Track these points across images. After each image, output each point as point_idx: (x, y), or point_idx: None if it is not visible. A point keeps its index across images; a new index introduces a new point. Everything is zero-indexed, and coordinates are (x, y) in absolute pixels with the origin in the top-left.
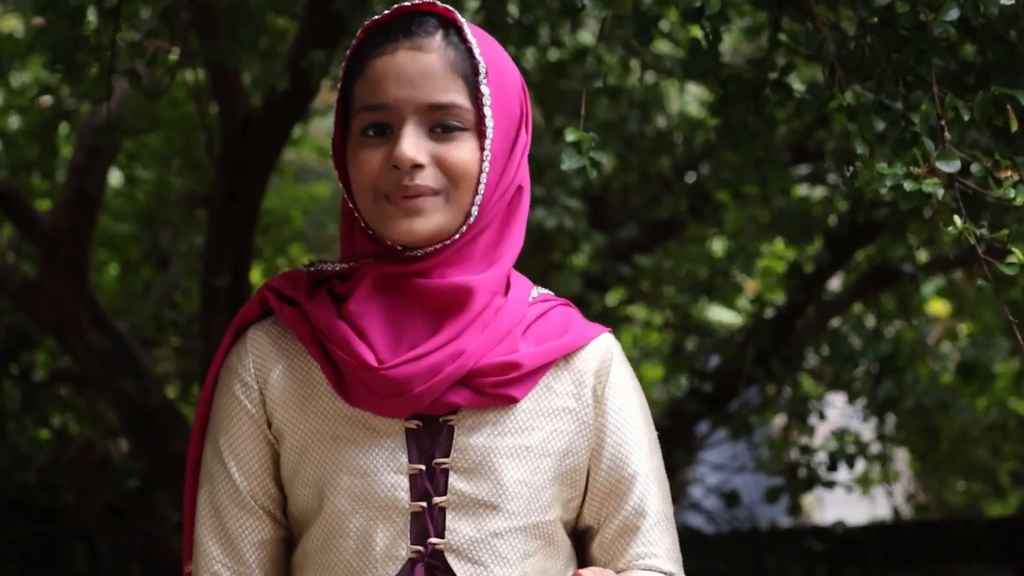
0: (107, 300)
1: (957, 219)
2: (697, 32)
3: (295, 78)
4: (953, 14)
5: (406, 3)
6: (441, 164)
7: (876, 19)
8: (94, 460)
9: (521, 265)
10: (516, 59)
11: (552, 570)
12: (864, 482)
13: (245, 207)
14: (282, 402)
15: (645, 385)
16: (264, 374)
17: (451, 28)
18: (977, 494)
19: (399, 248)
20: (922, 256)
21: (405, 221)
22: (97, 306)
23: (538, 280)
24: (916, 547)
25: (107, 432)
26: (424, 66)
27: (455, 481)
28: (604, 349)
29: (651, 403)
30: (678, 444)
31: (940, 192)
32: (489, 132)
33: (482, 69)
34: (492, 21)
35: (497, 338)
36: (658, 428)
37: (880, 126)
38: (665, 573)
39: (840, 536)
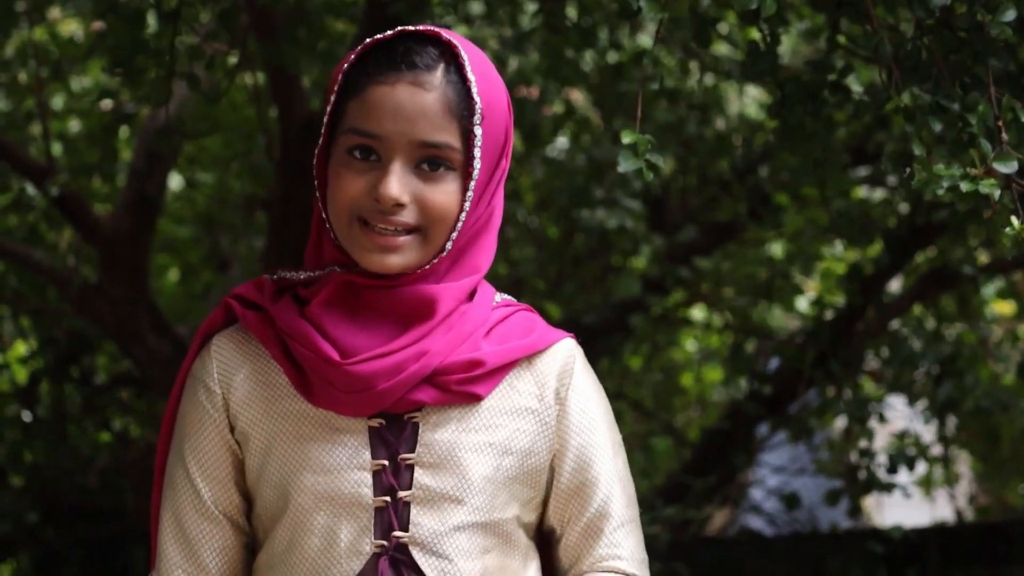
0: (167, 303)
1: (1015, 220)
2: (755, 34)
3: None
4: (1010, 15)
5: (409, 27)
6: (421, 204)
7: (933, 20)
8: (154, 463)
9: (581, 267)
10: (574, 62)
11: (510, 568)
12: (925, 484)
13: (304, 210)
14: (245, 405)
15: (706, 387)
16: (228, 379)
17: (452, 62)
18: None
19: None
20: (982, 257)
21: (378, 256)
22: (157, 309)
23: (598, 282)
24: (977, 549)
25: None
26: (422, 105)
27: (420, 476)
28: (566, 353)
29: (711, 405)
30: (738, 447)
31: (997, 193)
32: (475, 174)
33: (478, 110)
34: (551, 24)
35: (461, 339)
36: (717, 430)
37: (937, 127)
38: (627, 575)
39: (900, 539)
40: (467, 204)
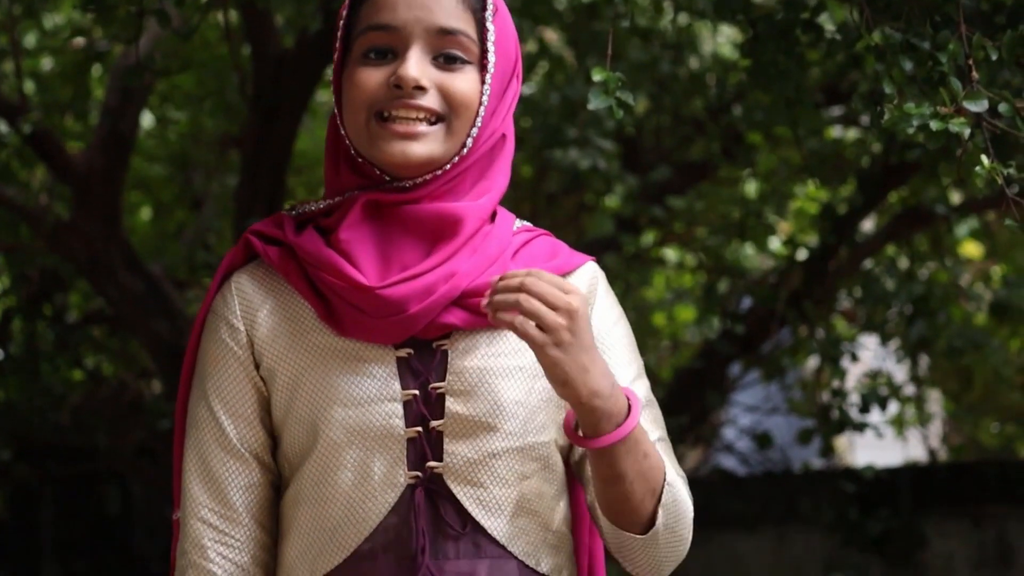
0: (140, 241)
1: (985, 159)
2: None
3: (328, 18)
4: None
5: None
6: (444, 91)
7: None
8: (127, 401)
9: (555, 206)
10: (548, 1)
11: (547, 495)
12: (898, 424)
13: (278, 148)
14: (271, 340)
15: (678, 326)
16: (251, 315)
17: None
18: (1011, 436)
19: (387, 179)
20: (955, 197)
21: (399, 143)
22: (130, 247)
23: (571, 221)
24: (949, 489)
25: (140, 373)
26: None
27: (452, 404)
28: (590, 276)
29: (684, 345)
30: (711, 386)
31: (967, 132)
32: (491, 67)
33: (490, 6)
34: None
35: (487, 262)
36: (690, 370)
37: (908, 66)
38: (666, 480)
39: (872, 478)
40: (485, 98)
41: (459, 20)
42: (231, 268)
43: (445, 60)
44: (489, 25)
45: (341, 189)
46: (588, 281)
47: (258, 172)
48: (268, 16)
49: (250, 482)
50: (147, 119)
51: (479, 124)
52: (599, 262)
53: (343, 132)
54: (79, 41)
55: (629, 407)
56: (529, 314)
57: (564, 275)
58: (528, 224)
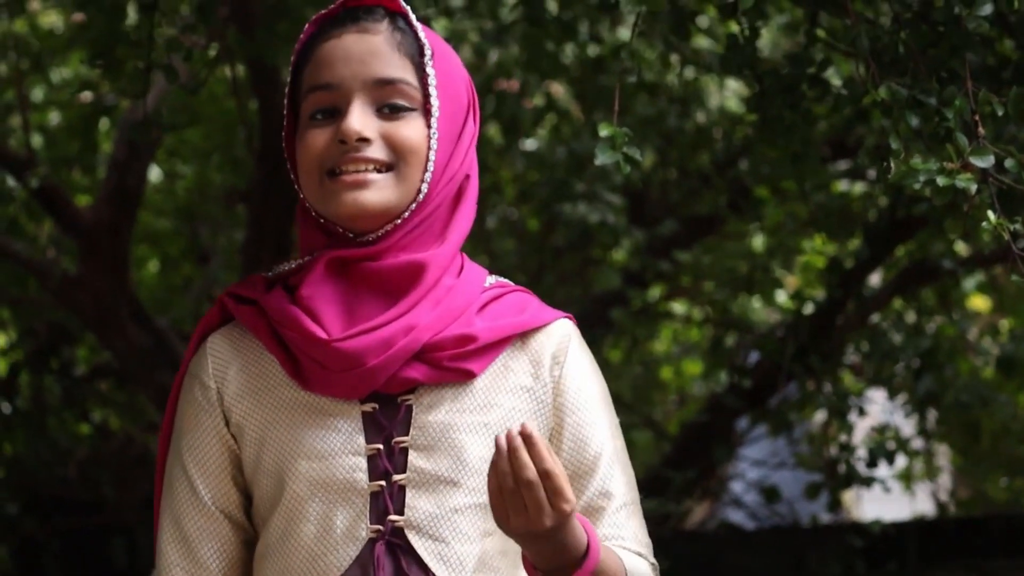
0: (147, 295)
1: (991, 214)
2: (734, 27)
3: None
4: (987, 8)
5: None
6: (389, 140)
7: (911, 14)
8: (134, 455)
9: (562, 259)
10: (555, 55)
11: (509, 552)
12: (906, 478)
13: (284, 202)
14: (239, 397)
15: (685, 380)
16: (222, 373)
17: (397, 17)
18: (1019, 490)
19: (350, 235)
20: (962, 251)
21: (350, 194)
22: (137, 301)
23: (578, 275)
24: (956, 543)
25: (147, 427)
26: (371, 45)
27: (415, 459)
28: (562, 332)
29: (691, 399)
30: (718, 440)
31: (974, 187)
32: (435, 111)
33: (427, 51)
34: (531, 17)
35: (451, 315)
36: (697, 424)
37: (914, 121)
38: (635, 553)
39: (880, 532)
40: (433, 142)
41: (397, 69)
42: (207, 329)
43: (390, 110)
44: (429, 70)
45: (311, 248)
46: (559, 337)
47: (265, 226)
48: (275, 71)
49: (223, 542)
50: (154, 173)
51: (431, 169)
52: (602, 317)
53: (301, 196)
54: (86, 95)
55: (588, 549)
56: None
57: (532, 330)
58: (504, 280)
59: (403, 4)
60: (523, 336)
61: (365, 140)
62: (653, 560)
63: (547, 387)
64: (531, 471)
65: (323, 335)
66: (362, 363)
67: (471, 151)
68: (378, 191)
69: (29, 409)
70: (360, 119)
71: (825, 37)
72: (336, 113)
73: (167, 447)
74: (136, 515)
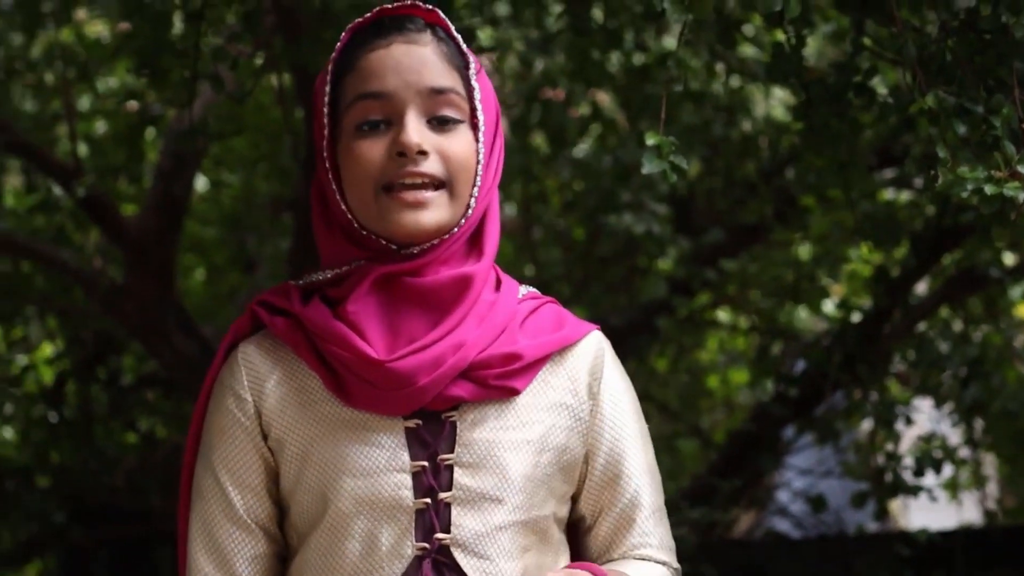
0: (193, 304)
1: None
2: (780, 36)
3: None
4: None
5: (388, 6)
6: (443, 154)
7: (958, 22)
8: (180, 463)
9: (607, 269)
10: (601, 64)
11: (545, 566)
12: (952, 487)
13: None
14: (279, 411)
15: (732, 389)
16: (258, 386)
17: (438, 29)
18: None
19: (393, 247)
20: (1009, 259)
21: (410, 214)
22: (183, 310)
23: (624, 284)
24: (1003, 552)
25: None
26: (422, 55)
27: (460, 476)
28: (596, 347)
29: (737, 408)
30: (764, 449)
31: (1021, 196)
32: (481, 125)
33: (472, 64)
34: (577, 26)
35: (494, 331)
36: (744, 432)
37: (961, 130)
38: (659, 562)
39: (927, 541)
40: (481, 156)
41: (448, 79)
42: (237, 338)
43: (439, 123)
44: (474, 83)
45: (342, 259)
46: (594, 353)
47: (310, 235)
48: None
49: (256, 553)
50: (201, 182)
51: (479, 184)
52: (648, 325)
53: (343, 207)
54: (133, 104)
55: None
56: None
57: (570, 345)
58: (533, 290)
59: (442, 16)
60: (560, 351)
61: (423, 153)
62: (677, 565)
63: (585, 404)
64: None
65: (375, 355)
66: (413, 382)
67: (499, 162)
68: (435, 211)
69: (76, 418)
70: (418, 130)
71: (871, 45)
72: (384, 124)
73: (194, 456)
74: None
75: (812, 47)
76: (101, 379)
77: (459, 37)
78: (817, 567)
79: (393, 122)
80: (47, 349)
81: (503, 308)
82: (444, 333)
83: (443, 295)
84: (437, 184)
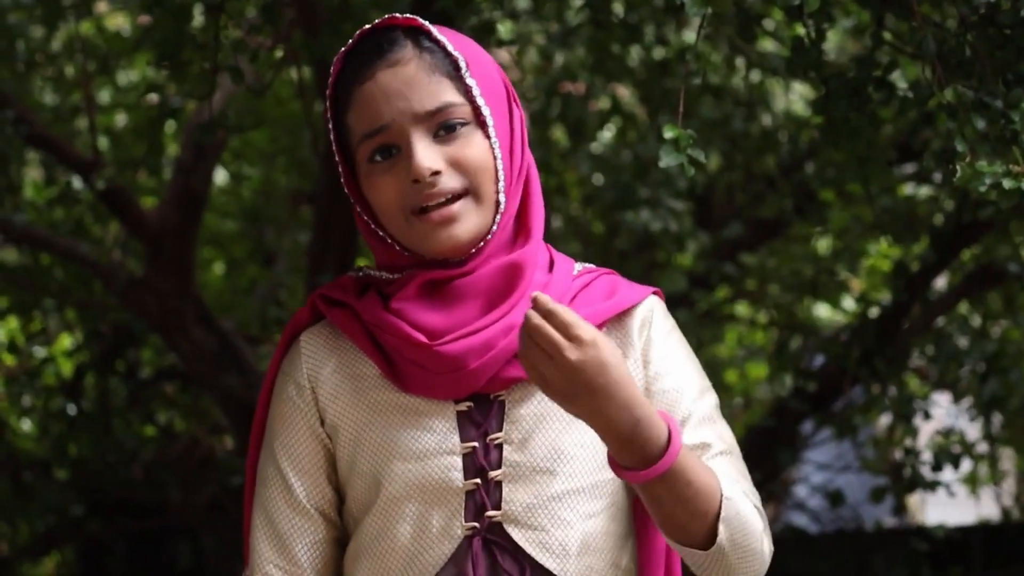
0: (212, 297)
1: None
2: (800, 30)
3: None
4: None
5: (366, 26)
6: (456, 164)
7: (977, 17)
8: (199, 457)
9: (626, 263)
10: (620, 58)
11: (615, 534)
12: (970, 482)
13: (350, 204)
14: (334, 397)
15: (750, 383)
16: (316, 373)
17: (420, 35)
18: None
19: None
20: None
21: (443, 231)
22: (202, 303)
23: (643, 278)
24: (1022, 547)
25: (212, 429)
26: (406, 78)
27: (509, 453)
28: (646, 309)
29: (756, 402)
30: (782, 443)
31: None
32: (489, 120)
33: (462, 64)
34: (597, 20)
35: None
36: (762, 427)
37: (980, 124)
38: (723, 496)
39: (944, 537)
40: (497, 151)
41: (440, 95)
42: (297, 328)
43: (445, 132)
44: (469, 81)
45: (395, 265)
46: (643, 316)
47: (330, 228)
48: None
49: (316, 539)
50: (220, 175)
51: (502, 179)
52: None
53: (381, 233)
54: (153, 97)
55: (669, 439)
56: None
57: (623, 312)
58: (590, 266)
59: (421, 20)
60: (617, 318)
61: (436, 173)
62: (760, 505)
63: (637, 364)
64: (534, 317)
65: (422, 339)
66: (464, 365)
67: (524, 138)
68: (465, 221)
69: (94, 411)
70: (425, 154)
71: (891, 40)
72: (395, 150)
73: (258, 447)
74: (200, 517)
75: (832, 41)
76: (120, 372)
77: (443, 39)
78: (835, 562)
79: (402, 147)
80: (66, 342)
81: (556, 287)
82: (496, 319)
83: (494, 284)
84: (459, 195)
